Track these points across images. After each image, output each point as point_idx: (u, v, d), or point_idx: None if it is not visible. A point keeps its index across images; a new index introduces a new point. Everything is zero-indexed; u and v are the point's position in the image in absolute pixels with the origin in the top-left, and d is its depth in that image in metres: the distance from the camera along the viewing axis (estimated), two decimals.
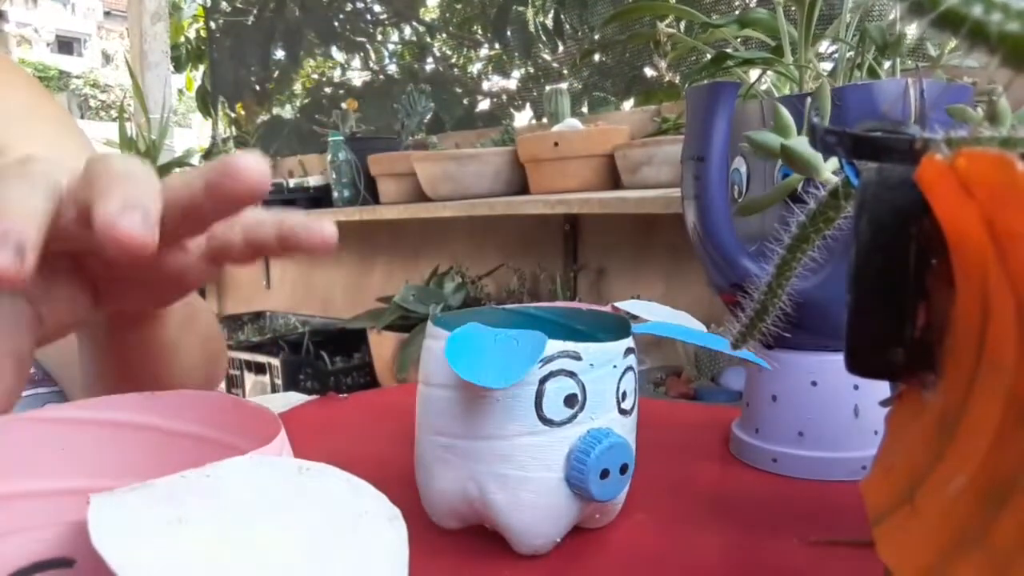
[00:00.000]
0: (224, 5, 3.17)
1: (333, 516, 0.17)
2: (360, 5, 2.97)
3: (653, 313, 0.42)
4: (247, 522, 0.16)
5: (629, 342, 0.36)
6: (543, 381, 0.33)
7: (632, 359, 0.36)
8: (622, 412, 0.36)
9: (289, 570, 0.15)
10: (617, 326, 0.38)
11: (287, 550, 0.16)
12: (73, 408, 0.24)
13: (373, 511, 0.17)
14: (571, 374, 0.33)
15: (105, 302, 0.31)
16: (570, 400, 0.34)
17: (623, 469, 0.34)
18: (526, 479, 0.34)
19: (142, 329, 0.35)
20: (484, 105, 2.69)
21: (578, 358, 0.34)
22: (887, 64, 0.47)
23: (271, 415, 0.23)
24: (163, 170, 2.80)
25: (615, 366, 0.35)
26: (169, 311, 0.36)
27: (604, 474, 0.34)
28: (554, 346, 0.33)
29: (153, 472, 0.18)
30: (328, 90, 3.09)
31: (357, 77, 3.07)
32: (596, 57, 2.17)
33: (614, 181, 1.54)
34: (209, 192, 0.24)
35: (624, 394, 0.36)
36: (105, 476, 0.25)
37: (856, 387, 0.43)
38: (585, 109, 2.04)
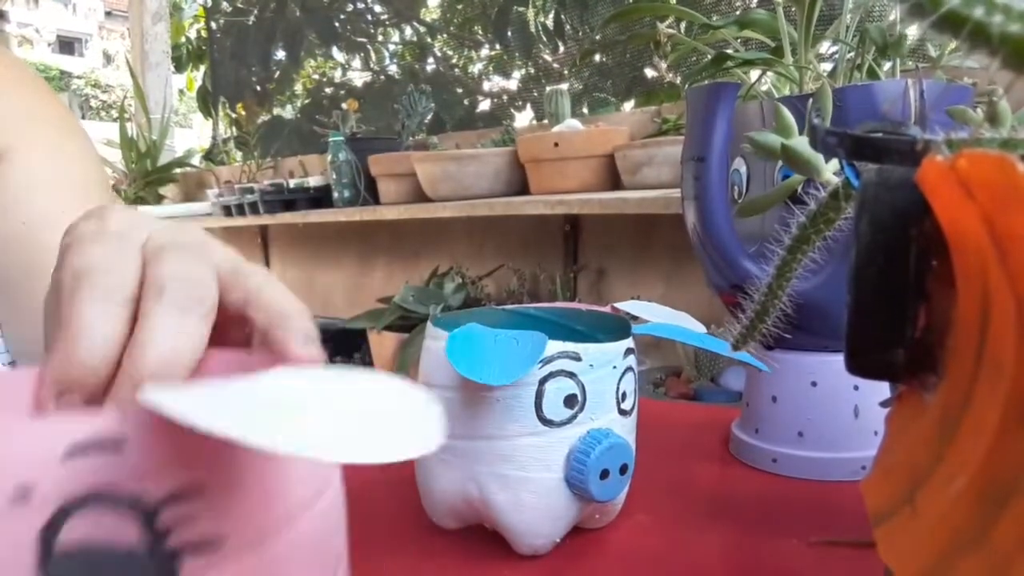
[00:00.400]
0: (225, 5, 3.17)
1: (375, 385, 0.19)
2: (361, 5, 2.97)
3: (653, 314, 0.42)
4: (298, 392, 0.18)
5: (629, 343, 0.36)
6: (543, 381, 0.33)
7: (632, 360, 0.36)
8: (622, 412, 0.36)
9: (344, 417, 0.17)
10: (617, 327, 0.38)
11: (338, 403, 0.17)
12: None
13: (409, 388, 0.19)
14: (571, 375, 0.33)
15: None
16: (570, 400, 0.34)
17: (623, 469, 0.34)
18: (526, 479, 0.34)
19: None
20: (485, 106, 2.69)
21: (578, 359, 0.34)
22: (887, 65, 0.47)
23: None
24: (163, 170, 2.80)
25: (615, 367, 0.35)
26: None
27: (604, 474, 0.34)
28: (554, 347, 0.33)
29: None
30: (329, 90, 3.10)
31: (358, 77, 3.07)
32: (596, 58, 2.18)
33: (614, 182, 1.54)
34: (261, 337, 0.24)
35: (624, 394, 0.36)
36: None
37: (856, 388, 0.43)
38: (585, 110, 2.04)
